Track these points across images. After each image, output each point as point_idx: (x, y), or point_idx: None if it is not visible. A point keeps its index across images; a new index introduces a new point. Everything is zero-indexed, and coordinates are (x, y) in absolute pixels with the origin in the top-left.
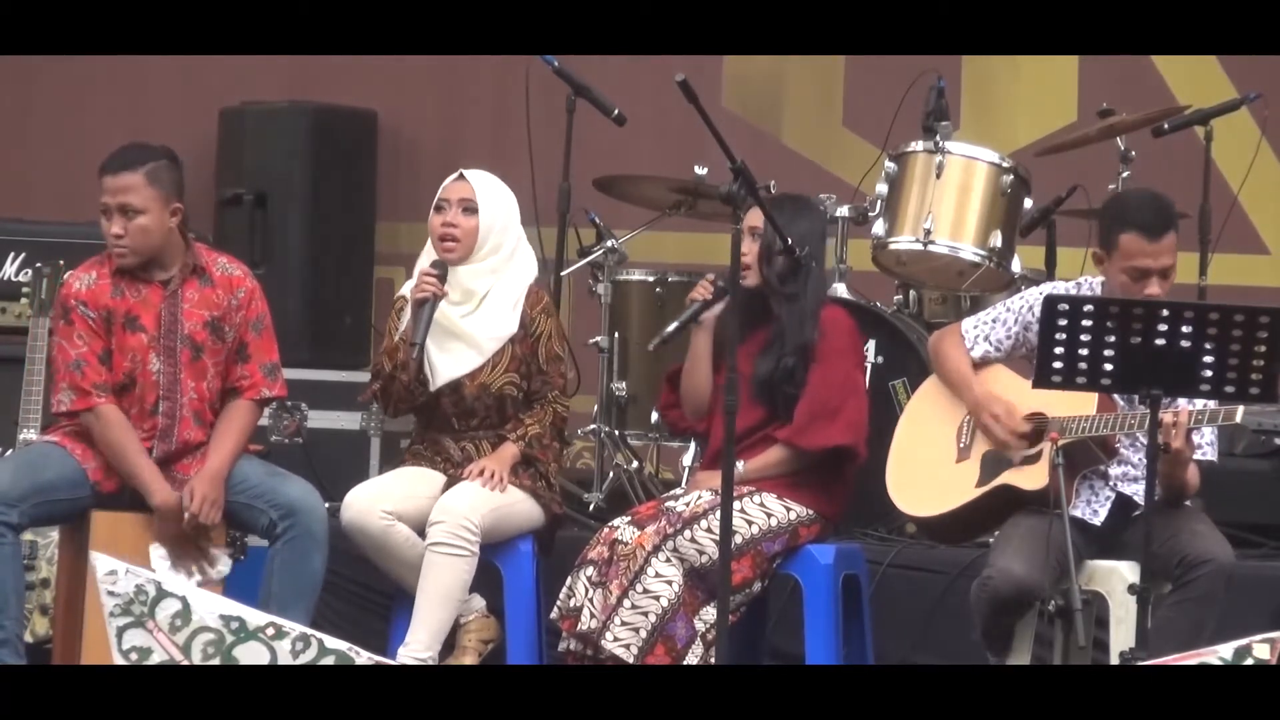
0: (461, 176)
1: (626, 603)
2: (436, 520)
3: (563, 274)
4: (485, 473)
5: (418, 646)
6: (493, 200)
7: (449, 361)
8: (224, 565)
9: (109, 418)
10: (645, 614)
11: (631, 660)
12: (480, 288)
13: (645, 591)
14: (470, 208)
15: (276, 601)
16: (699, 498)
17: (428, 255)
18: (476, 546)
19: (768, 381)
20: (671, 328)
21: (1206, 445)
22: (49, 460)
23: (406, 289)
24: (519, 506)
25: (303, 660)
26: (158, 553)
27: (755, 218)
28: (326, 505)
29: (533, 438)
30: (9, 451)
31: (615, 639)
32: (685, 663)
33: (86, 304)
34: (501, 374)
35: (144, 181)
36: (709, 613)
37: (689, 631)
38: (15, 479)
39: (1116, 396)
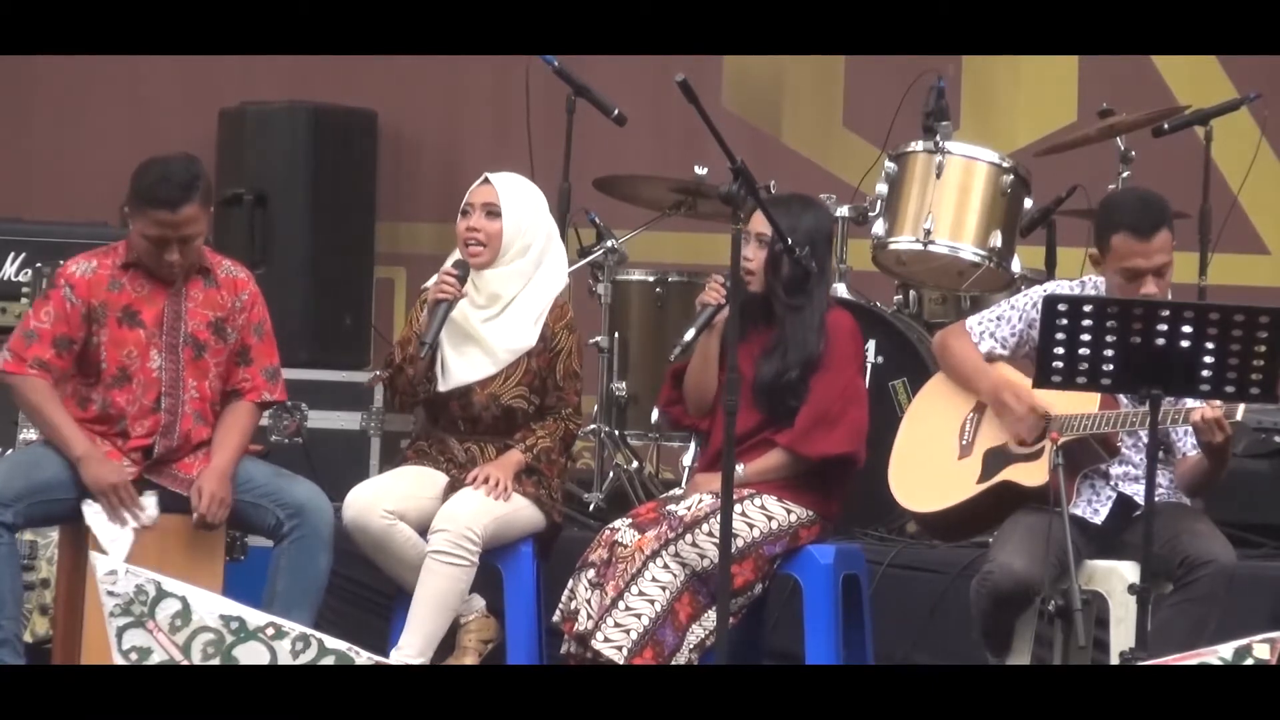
0: (486, 180)
1: (621, 604)
2: (439, 528)
3: None
4: (490, 481)
5: (410, 651)
6: (517, 203)
7: (462, 365)
8: (153, 510)
9: (36, 386)
10: (638, 616)
11: (621, 661)
12: (507, 292)
13: (640, 594)
14: (494, 212)
15: (281, 601)
16: (699, 501)
17: (455, 256)
18: (476, 556)
19: (769, 389)
20: (690, 335)
21: (1194, 441)
22: (45, 460)
23: (431, 282)
24: (522, 513)
25: (303, 660)
26: (91, 508)
27: (762, 223)
28: None
29: (541, 450)
30: (8, 452)
31: (606, 639)
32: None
33: (74, 289)
34: (513, 386)
35: (200, 208)
36: (710, 618)
37: (676, 640)
38: (10, 479)
39: (1121, 395)
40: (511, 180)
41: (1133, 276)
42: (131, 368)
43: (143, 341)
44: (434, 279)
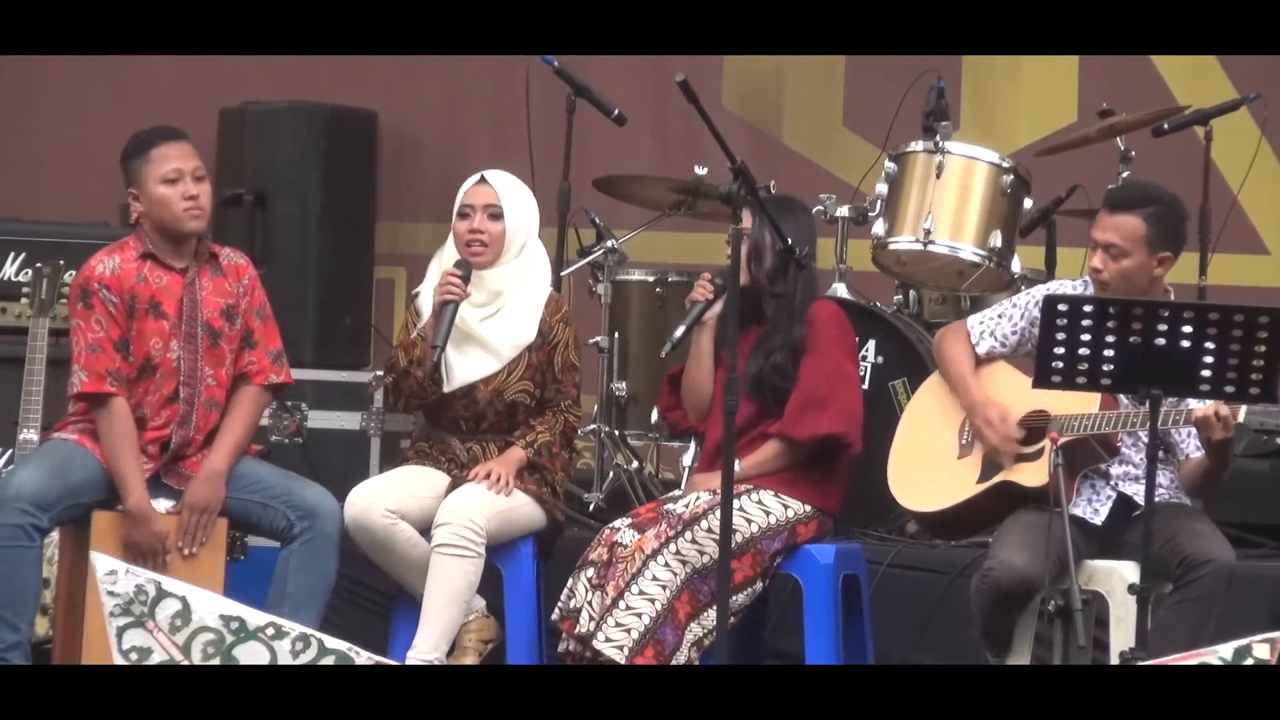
0: (483, 180)
1: (621, 604)
2: (443, 522)
3: (563, 274)
4: (491, 476)
5: (425, 648)
6: (516, 203)
7: (465, 365)
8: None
9: (117, 412)
10: (639, 615)
11: (622, 660)
12: (508, 289)
13: (641, 594)
14: (496, 213)
15: (291, 603)
16: (697, 499)
17: (448, 255)
18: (483, 548)
19: (758, 378)
20: (680, 331)
21: (1197, 443)
22: (77, 461)
23: (424, 287)
24: (523, 510)
25: (303, 660)
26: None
27: (743, 219)
28: None
29: (542, 445)
30: (10, 452)
31: (608, 639)
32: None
33: (109, 288)
34: (516, 381)
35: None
36: (710, 616)
37: (676, 639)
38: (50, 483)
39: (1120, 395)
40: (507, 179)
41: (1094, 248)
42: (156, 359)
43: (165, 332)
44: (425, 284)
